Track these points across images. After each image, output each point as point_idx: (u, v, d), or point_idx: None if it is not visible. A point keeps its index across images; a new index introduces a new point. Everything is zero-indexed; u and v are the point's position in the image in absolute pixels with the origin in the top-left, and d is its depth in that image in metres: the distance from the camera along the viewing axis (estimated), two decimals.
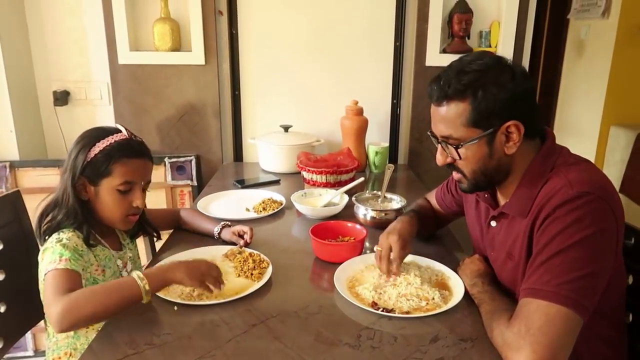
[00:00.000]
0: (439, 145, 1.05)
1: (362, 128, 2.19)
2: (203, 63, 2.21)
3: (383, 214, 1.54)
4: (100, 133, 1.18)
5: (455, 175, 1.08)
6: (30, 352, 2.28)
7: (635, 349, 1.11)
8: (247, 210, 1.69)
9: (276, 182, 2.05)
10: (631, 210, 2.14)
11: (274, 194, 1.81)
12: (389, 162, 2.28)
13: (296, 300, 1.13)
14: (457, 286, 1.15)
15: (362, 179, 1.78)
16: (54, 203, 1.17)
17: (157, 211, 1.52)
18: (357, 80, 2.33)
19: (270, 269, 1.23)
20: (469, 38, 2.21)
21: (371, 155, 2.19)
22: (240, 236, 1.39)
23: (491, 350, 0.93)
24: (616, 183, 2.19)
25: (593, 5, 2.44)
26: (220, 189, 1.91)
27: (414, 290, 1.12)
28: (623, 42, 2.31)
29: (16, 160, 2.19)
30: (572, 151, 1.05)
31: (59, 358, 1.18)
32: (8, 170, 2.16)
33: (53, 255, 1.06)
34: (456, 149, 1.01)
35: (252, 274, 1.21)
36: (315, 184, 1.86)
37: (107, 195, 1.17)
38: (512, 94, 0.95)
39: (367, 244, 1.39)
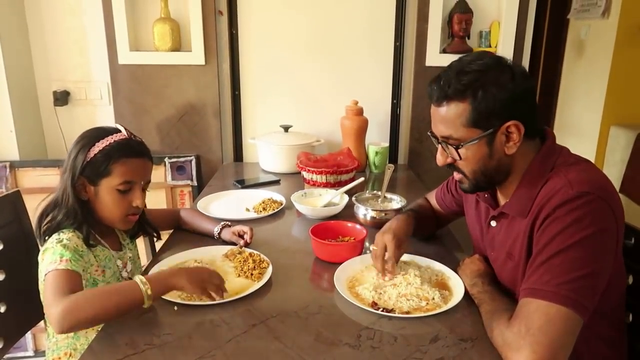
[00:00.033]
0: (439, 145, 1.05)
1: (362, 128, 2.19)
2: (203, 63, 2.21)
3: (383, 214, 1.54)
4: (100, 133, 1.17)
5: (456, 175, 1.08)
6: (30, 352, 2.28)
7: (635, 349, 1.11)
8: (247, 210, 1.69)
9: (276, 182, 2.05)
10: (631, 210, 2.14)
11: (274, 194, 1.81)
12: (389, 162, 2.28)
13: (296, 300, 1.13)
14: (457, 286, 1.15)
15: (362, 179, 1.78)
16: (54, 203, 1.17)
17: (157, 211, 1.52)
18: (357, 80, 2.33)
19: (270, 269, 1.23)
20: (469, 38, 2.21)
21: (371, 155, 2.19)
22: (240, 236, 1.39)
23: (491, 350, 0.93)
24: (616, 183, 2.18)
25: (593, 5, 2.44)
26: (220, 189, 1.91)
27: (414, 290, 1.13)
28: (623, 42, 2.31)
29: (16, 160, 2.19)
30: (572, 151, 1.05)
31: (59, 358, 1.18)
32: (8, 170, 2.16)
33: (53, 256, 1.06)
34: (456, 149, 1.01)
35: (252, 274, 1.21)
36: (315, 184, 1.86)
37: (106, 195, 1.17)
38: (512, 94, 0.95)
39: (367, 244, 1.39)
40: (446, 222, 1.48)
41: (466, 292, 1.11)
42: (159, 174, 2.26)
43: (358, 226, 1.43)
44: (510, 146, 0.99)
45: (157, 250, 1.49)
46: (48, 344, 1.20)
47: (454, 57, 1.05)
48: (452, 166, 1.07)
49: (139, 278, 1.01)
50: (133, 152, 1.19)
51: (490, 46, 2.24)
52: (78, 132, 1.20)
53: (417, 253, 1.31)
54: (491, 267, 1.16)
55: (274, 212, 1.67)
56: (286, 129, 2.22)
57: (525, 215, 1.00)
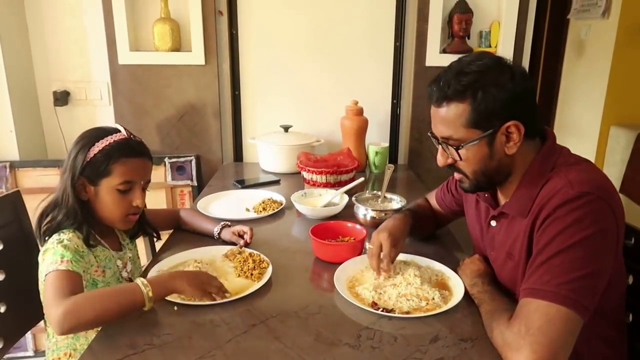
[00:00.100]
0: (440, 146, 1.05)
1: (362, 128, 2.19)
2: (203, 63, 2.21)
3: (383, 214, 1.54)
4: (100, 133, 1.17)
5: (457, 175, 1.08)
6: (30, 352, 2.28)
7: (635, 349, 1.11)
8: (247, 210, 1.69)
9: (276, 182, 2.05)
10: (631, 210, 2.14)
11: (274, 194, 1.81)
12: (389, 162, 2.28)
13: (296, 300, 1.13)
14: (457, 286, 1.15)
15: (362, 179, 1.78)
16: (54, 203, 1.17)
17: (157, 211, 1.52)
18: (357, 80, 2.33)
19: (270, 269, 1.23)
20: (469, 38, 2.21)
21: (371, 155, 2.19)
22: (240, 236, 1.39)
23: (491, 350, 0.93)
24: (616, 183, 2.18)
25: (593, 5, 2.44)
26: (220, 189, 1.91)
27: (414, 290, 1.13)
28: (623, 42, 2.31)
29: (16, 161, 2.19)
30: (572, 151, 1.05)
31: (59, 358, 1.18)
32: (8, 170, 2.16)
33: (54, 257, 1.06)
34: (457, 149, 1.01)
35: (252, 274, 1.21)
36: (315, 184, 1.86)
37: (106, 195, 1.17)
38: (512, 94, 0.95)
39: (367, 244, 1.38)
40: (446, 222, 1.48)
41: (466, 292, 1.11)
42: (159, 174, 2.26)
43: (358, 226, 1.43)
44: (510, 146, 0.99)
45: (157, 251, 1.49)
46: (48, 344, 1.20)
47: (454, 57, 1.05)
48: (452, 167, 1.07)
49: (140, 280, 1.02)
50: (133, 151, 1.19)
51: (490, 46, 2.24)
52: (78, 132, 1.20)
53: (417, 253, 1.31)
54: (491, 267, 1.16)
55: (274, 212, 1.67)
56: (286, 129, 2.22)
57: (525, 215, 1.00)
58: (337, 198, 1.72)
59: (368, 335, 0.99)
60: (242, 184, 1.99)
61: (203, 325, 1.02)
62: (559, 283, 0.87)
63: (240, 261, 1.26)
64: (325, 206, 1.67)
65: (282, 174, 2.14)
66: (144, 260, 1.52)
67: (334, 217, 1.64)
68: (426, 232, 1.46)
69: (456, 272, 1.20)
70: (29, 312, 1.33)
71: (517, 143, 0.98)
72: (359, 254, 1.31)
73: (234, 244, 1.39)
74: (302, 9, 2.25)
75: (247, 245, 1.37)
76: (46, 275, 1.03)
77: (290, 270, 1.28)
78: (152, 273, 1.21)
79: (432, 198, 1.47)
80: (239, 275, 1.22)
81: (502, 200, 1.11)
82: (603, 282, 0.91)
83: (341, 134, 2.23)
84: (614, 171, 2.34)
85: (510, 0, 2.14)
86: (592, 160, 1.42)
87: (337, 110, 2.25)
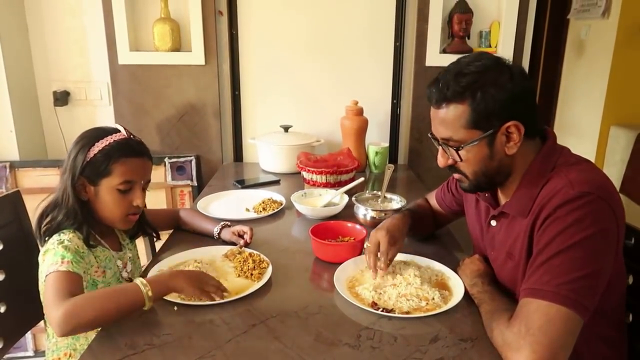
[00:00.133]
0: (440, 147, 1.05)
1: (362, 128, 2.19)
2: (203, 63, 2.21)
3: (383, 214, 1.54)
4: (99, 133, 1.17)
5: (457, 175, 1.08)
6: (30, 353, 2.28)
7: (635, 349, 1.11)
8: (247, 210, 1.69)
9: (276, 182, 2.05)
10: (631, 210, 2.14)
11: (274, 194, 1.81)
12: (389, 162, 2.28)
13: (296, 300, 1.13)
14: (457, 286, 1.15)
15: (362, 179, 1.78)
16: (54, 204, 1.17)
17: (156, 211, 1.52)
18: (357, 80, 2.33)
19: (270, 269, 1.23)
20: (469, 38, 2.21)
21: (371, 155, 2.19)
22: (240, 236, 1.39)
23: (491, 350, 0.93)
24: (616, 183, 2.18)
25: (593, 5, 2.44)
26: (220, 189, 1.91)
27: (413, 290, 1.13)
28: (623, 42, 2.31)
29: (16, 161, 2.19)
30: (573, 151, 1.05)
31: (59, 359, 1.18)
32: (8, 170, 2.16)
33: (55, 257, 1.06)
34: (457, 150, 1.01)
35: (252, 274, 1.21)
36: (315, 184, 1.86)
37: (107, 195, 1.17)
38: (511, 94, 0.95)
39: (366, 244, 1.39)
40: (446, 222, 1.48)
41: (466, 292, 1.11)
42: (159, 174, 2.26)
43: (358, 226, 1.43)
44: (510, 146, 0.99)
45: (157, 251, 1.49)
46: (48, 344, 1.20)
47: (454, 57, 1.05)
48: (453, 167, 1.07)
49: (139, 280, 1.02)
50: (133, 151, 1.19)
51: (490, 46, 2.24)
52: (78, 132, 1.20)
53: (417, 253, 1.31)
54: (491, 267, 1.16)
55: (274, 212, 1.67)
56: (286, 129, 2.22)
57: (525, 215, 1.00)
58: (337, 198, 1.72)
59: (368, 335, 0.99)
60: (242, 184, 1.99)
61: (203, 325, 1.02)
62: (559, 283, 0.87)
63: (240, 261, 1.26)
64: (325, 206, 1.67)
65: (282, 174, 2.14)
66: (144, 261, 1.52)
67: (334, 217, 1.64)
68: (426, 232, 1.46)
69: (456, 272, 1.20)
70: (29, 312, 1.33)
71: (518, 143, 0.98)
72: (359, 254, 1.31)
73: (234, 244, 1.39)
74: (302, 9, 2.25)
75: (247, 245, 1.37)
76: (46, 276, 1.03)
77: (290, 270, 1.28)
78: (152, 273, 1.21)
79: (432, 198, 1.47)
80: (239, 276, 1.22)
81: (503, 199, 1.11)
82: (603, 282, 0.91)
83: (341, 134, 2.23)
84: (614, 171, 2.34)
85: (510, 0, 2.14)
86: (592, 160, 1.42)
87: (337, 110, 2.25)
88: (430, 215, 1.45)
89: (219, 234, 1.43)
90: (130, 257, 1.31)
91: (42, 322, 1.28)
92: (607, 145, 2.45)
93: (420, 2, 2.17)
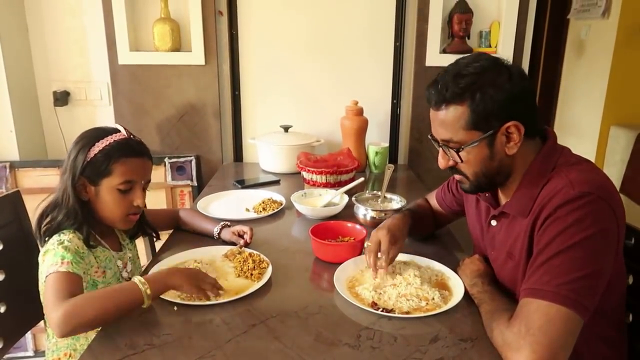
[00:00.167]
0: (440, 149, 1.05)
1: (362, 128, 2.19)
2: (203, 63, 2.21)
3: (383, 214, 1.54)
4: (100, 133, 1.17)
5: (457, 176, 1.08)
6: (30, 353, 2.28)
7: (635, 349, 1.11)
8: (247, 210, 1.69)
9: (276, 182, 2.05)
10: (631, 210, 2.14)
11: (273, 194, 1.81)
12: (389, 162, 2.28)
13: (296, 300, 1.13)
14: (457, 286, 1.15)
15: (362, 179, 1.78)
16: (54, 204, 1.17)
17: (156, 211, 1.52)
18: (357, 80, 2.33)
19: (270, 269, 1.23)
20: (469, 38, 2.21)
21: (371, 155, 2.19)
22: (240, 236, 1.39)
23: (491, 350, 0.93)
24: (616, 183, 2.18)
25: (593, 5, 2.44)
26: (220, 189, 1.91)
27: (413, 290, 1.12)
28: (623, 42, 2.31)
29: (16, 161, 2.19)
30: (573, 151, 1.05)
31: (59, 359, 1.18)
32: (8, 170, 2.16)
33: (55, 258, 1.06)
34: (457, 152, 1.01)
35: (251, 274, 1.21)
36: (315, 184, 1.86)
37: (107, 195, 1.17)
38: (510, 95, 0.95)
39: (366, 244, 1.39)
40: (446, 222, 1.48)
41: (466, 292, 1.11)
42: (159, 174, 2.26)
43: (358, 226, 1.43)
44: (511, 146, 0.99)
45: (157, 251, 1.49)
46: (48, 344, 1.20)
47: (454, 57, 1.05)
48: (453, 169, 1.07)
49: (137, 278, 1.02)
50: (133, 151, 1.19)
51: (490, 46, 2.24)
52: (78, 133, 1.20)
53: (417, 253, 1.31)
54: (491, 267, 1.16)
55: (273, 212, 1.67)
56: (286, 129, 2.22)
57: (526, 215, 1.00)
58: (337, 198, 1.72)
59: (368, 335, 0.99)
60: (242, 184, 1.99)
61: (203, 325, 1.02)
62: (559, 283, 0.87)
63: (240, 261, 1.26)
64: (325, 206, 1.67)
65: (282, 174, 2.13)
66: (143, 261, 1.52)
67: (334, 217, 1.64)
68: (426, 232, 1.46)
69: (456, 272, 1.20)
70: (29, 312, 1.33)
71: (518, 143, 0.98)
72: (359, 254, 1.31)
73: (233, 244, 1.39)
74: (302, 9, 2.25)
75: (247, 245, 1.37)
76: (46, 276, 1.03)
77: (290, 270, 1.28)
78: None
79: (432, 198, 1.47)
80: (239, 276, 1.22)
81: (503, 199, 1.11)
82: (603, 282, 0.91)
83: (341, 134, 2.23)
84: (614, 171, 2.34)
85: (510, 0, 2.14)
86: (592, 160, 1.42)
87: (337, 110, 2.25)
88: (431, 215, 1.45)
89: (219, 234, 1.43)
90: (130, 257, 1.31)
91: (42, 322, 1.28)
92: (607, 145, 2.45)
93: (420, 2, 2.17)
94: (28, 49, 2.26)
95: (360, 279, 1.22)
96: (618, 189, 1.89)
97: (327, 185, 1.84)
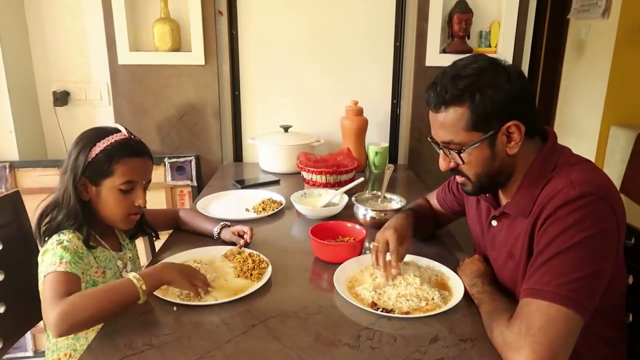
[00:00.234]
0: (441, 151, 1.05)
1: (362, 128, 2.19)
2: (203, 63, 2.21)
3: (383, 214, 1.54)
4: (100, 133, 1.18)
5: (459, 178, 1.08)
6: (30, 353, 2.28)
7: (635, 349, 1.11)
8: (247, 210, 1.69)
9: (276, 182, 2.05)
10: (631, 210, 2.13)
11: (273, 194, 1.81)
12: (389, 162, 2.28)
13: (296, 300, 1.13)
14: (457, 286, 1.15)
15: (362, 179, 1.78)
16: (54, 204, 1.17)
17: (156, 211, 1.52)
18: (357, 80, 2.32)
19: (269, 269, 1.23)
20: (469, 38, 2.21)
21: (371, 155, 2.19)
22: (240, 236, 1.39)
23: (491, 350, 0.92)
24: (616, 183, 2.18)
25: (593, 5, 2.44)
26: (220, 189, 1.91)
27: (413, 290, 1.12)
28: (623, 42, 2.31)
29: (16, 161, 2.19)
30: (573, 151, 1.05)
31: (59, 359, 1.18)
32: (8, 170, 2.16)
33: (53, 258, 1.06)
34: (458, 153, 1.01)
35: (251, 274, 1.21)
36: (315, 184, 1.86)
37: (108, 195, 1.17)
38: (509, 94, 0.95)
39: (366, 244, 1.38)
40: (446, 222, 1.47)
41: (466, 292, 1.11)
42: (159, 174, 2.26)
43: (358, 226, 1.43)
44: (512, 146, 0.99)
45: (156, 251, 1.49)
46: (48, 344, 1.20)
47: (454, 57, 1.05)
48: (455, 170, 1.06)
49: (132, 275, 1.02)
50: (134, 151, 1.19)
51: (490, 46, 2.24)
52: (78, 133, 1.20)
53: (417, 253, 1.30)
54: (491, 267, 1.16)
55: (273, 212, 1.67)
56: (286, 129, 2.22)
57: (526, 215, 1.00)
58: (337, 198, 1.72)
59: (368, 335, 0.99)
60: (242, 184, 1.99)
61: (202, 325, 1.02)
62: (560, 283, 0.87)
63: (239, 261, 1.26)
64: (325, 206, 1.67)
65: (282, 174, 2.13)
66: (143, 261, 1.52)
67: (334, 217, 1.64)
68: (426, 232, 1.45)
69: (456, 272, 1.20)
70: (28, 312, 1.33)
71: (519, 142, 0.98)
72: (359, 254, 1.31)
73: (233, 244, 1.39)
74: (302, 10, 2.25)
75: (246, 245, 1.37)
76: (45, 276, 1.03)
77: (289, 270, 1.27)
78: None
79: (433, 198, 1.47)
80: (239, 276, 1.22)
81: (504, 200, 1.11)
82: (603, 282, 0.91)
83: (341, 134, 2.23)
84: (614, 171, 2.34)
85: (510, 0, 2.14)
86: (592, 160, 1.42)
87: (337, 110, 2.25)
88: (431, 215, 1.45)
89: (218, 234, 1.43)
90: (130, 257, 1.31)
91: (41, 322, 1.28)
92: (607, 145, 2.45)
93: (420, 1, 2.17)
94: (28, 49, 2.26)
95: (360, 279, 1.22)
96: (618, 189, 1.89)
97: (327, 185, 1.84)
